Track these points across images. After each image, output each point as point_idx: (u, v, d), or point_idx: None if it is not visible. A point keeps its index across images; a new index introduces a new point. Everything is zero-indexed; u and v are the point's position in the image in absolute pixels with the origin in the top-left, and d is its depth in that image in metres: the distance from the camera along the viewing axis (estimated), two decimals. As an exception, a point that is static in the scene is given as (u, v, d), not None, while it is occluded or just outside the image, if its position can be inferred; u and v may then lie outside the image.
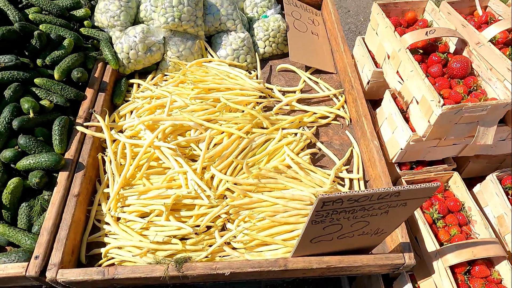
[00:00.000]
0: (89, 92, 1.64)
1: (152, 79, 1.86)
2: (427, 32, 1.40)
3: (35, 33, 1.57)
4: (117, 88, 1.74)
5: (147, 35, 1.76)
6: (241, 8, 2.13)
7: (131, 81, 1.82)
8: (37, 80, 1.53)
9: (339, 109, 1.78)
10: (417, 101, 1.37)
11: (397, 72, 1.50)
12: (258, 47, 1.98)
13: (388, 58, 1.57)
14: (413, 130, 1.41)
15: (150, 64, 1.85)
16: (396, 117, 1.47)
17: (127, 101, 1.76)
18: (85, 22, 1.82)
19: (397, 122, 1.47)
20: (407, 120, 1.48)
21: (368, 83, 1.74)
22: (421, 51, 1.53)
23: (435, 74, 1.42)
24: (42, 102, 1.49)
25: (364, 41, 1.84)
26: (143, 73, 1.89)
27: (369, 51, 1.80)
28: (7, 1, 1.65)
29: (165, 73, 1.88)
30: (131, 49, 1.75)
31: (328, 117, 1.75)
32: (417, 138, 1.39)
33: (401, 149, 1.46)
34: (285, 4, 2.10)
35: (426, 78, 1.30)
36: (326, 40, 2.13)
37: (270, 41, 1.97)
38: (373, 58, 1.77)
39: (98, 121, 1.54)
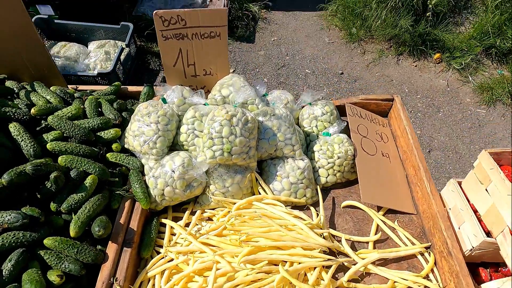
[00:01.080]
0: (111, 249, 1.28)
1: (191, 212, 1.51)
2: None
3: (51, 176, 1.25)
4: (146, 235, 1.39)
5: (188, 169, 1.41)
6: (296, 117, 1.79)
7: (164, 221, 1.47)
8: (47, 242, 1.18)
9: (427, 276, 1.37)
10: None
11: (531, 265, 1.10)
12: (319, 176, 1.61)
13: (512, 237, 1.17)
14: None
15: (188, 199, 1.50)
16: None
17: (158, 252, 1.39)
18: (114, 146, 1.50)
19: None
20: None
21: (471, 250, 1.33)
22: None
23: None
24: (50, 277, 1.14)
25: (461, 187, 1.45)
26: (178, 204, 1.54)
27: (469, 202, 1.40)
28: (22, 128, 1.35)
29: (206, 209, 1.52)
30: (167, 186, 1.41)
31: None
32: None
33: None
34: (349, 117, 1.75)
35: None
36: (399, 161, 1.76)
37: (334, 170, 1.60)
38: (475, 211, 1.37)
39: (121, 298, 1.18)
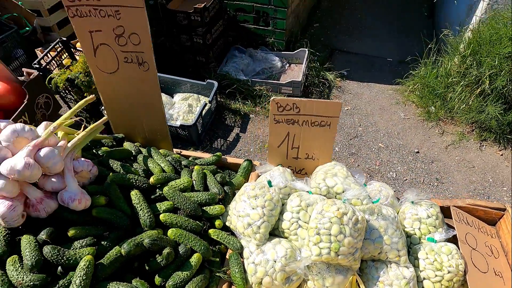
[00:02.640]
0: (207, 338, 1.24)
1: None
2: None
3: (164, 252, 1.28)
4: (239, 326, 1.34)
5: (289, 262, 1.37)
6: (395, 214, 1.70)
7: (256, 311, 1.41)
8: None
9: None
10: None
11: None
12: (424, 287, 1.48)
13: None
14: None
15: (283, 291, 1.45)
16: None
17: None
18: (217, 223, 1.52)
19: None
20: None
21: None
22: None
23: None
24: None
25: None
26: (268, 292, 1.48)
27: None
28: (142, 196, 1.42)
29: (299, 305, 1.44)
30: (266, 275, 1.37)
31: None
32: None
33: None
34: (455, 223, 1.63)
35: None
36: (512, 283, 1.57)
37: (442, 285, 1.46)
38: None
39: None
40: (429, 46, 4.45)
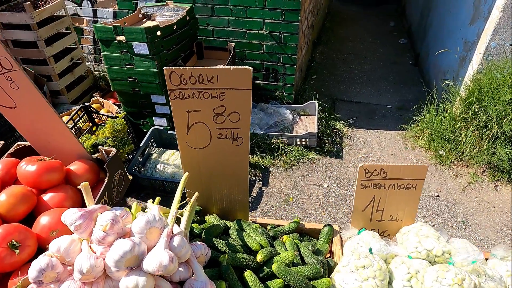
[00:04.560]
0: None
1: None
2: None
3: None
4: None
5: (415, 335, 1.34)
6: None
7: None
8: None
9: None
10: None
11: None
12: None
13: None
14: None
15: None
16: None
17: None
18: (327, 297, 1.48)
19: None
20: None
21: None
22: None
23: None
24: None
25: None
26: None
27: None
28: (256, 277, 1.38)
29: None
30: None
31: None
32: None
33: None
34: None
35: None
36: None
37: None
38: None
39: None
40: (431, 93, 4.77)
